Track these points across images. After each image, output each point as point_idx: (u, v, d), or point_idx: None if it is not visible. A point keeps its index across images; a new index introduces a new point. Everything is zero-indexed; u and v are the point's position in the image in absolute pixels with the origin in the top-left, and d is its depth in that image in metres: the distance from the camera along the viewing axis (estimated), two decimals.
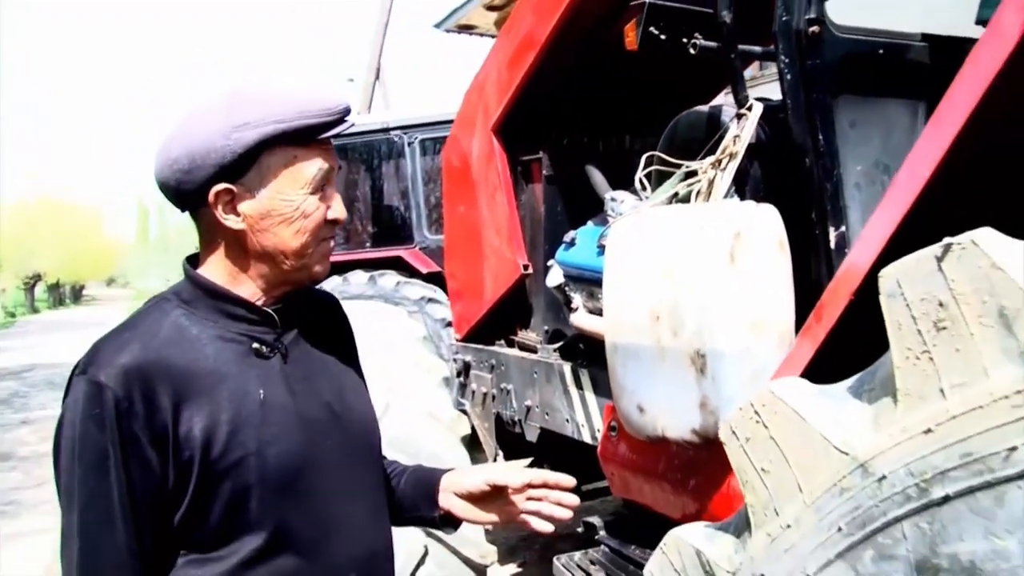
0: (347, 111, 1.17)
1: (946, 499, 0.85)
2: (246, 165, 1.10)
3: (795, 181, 1.88)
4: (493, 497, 1.34)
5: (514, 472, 1.33)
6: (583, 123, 3.06)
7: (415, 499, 1.40)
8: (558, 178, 3.04)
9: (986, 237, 0.84)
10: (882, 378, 0.94)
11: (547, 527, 1.35)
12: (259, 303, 1.18)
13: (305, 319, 1.26)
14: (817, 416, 1.00)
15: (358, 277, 4.58)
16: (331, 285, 5.02)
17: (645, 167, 1.97)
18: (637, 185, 1.96)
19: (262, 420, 1.11)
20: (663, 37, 1.95)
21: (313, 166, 1.14)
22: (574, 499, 1.33)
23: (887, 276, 0.91)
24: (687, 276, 1.73)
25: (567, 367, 2.86)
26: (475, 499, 1.35)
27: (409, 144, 4.74)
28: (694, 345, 1.72)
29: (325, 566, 1.15)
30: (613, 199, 2.52)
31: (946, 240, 0.85)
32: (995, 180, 1.23)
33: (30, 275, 40.38)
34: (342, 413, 1.23)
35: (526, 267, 3.10)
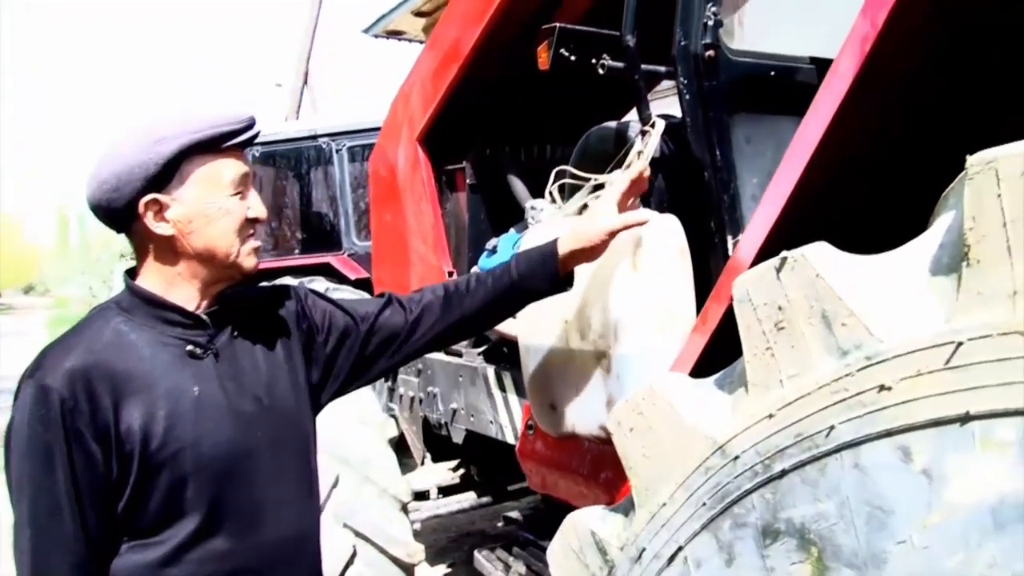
0: (253, 121, 1.31)
1: (783, 473, 0.99)
2: (169, 175, 1.23)
3: (696, 193, 2.04)
4: None
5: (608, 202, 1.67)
6: (506, 134, 3.17)
7: (533, 278, 1.67)
8: (481, 187, 3.15)
9: (814, 251, 0.99)
10: (739, 372, 1.09)
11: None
12: (193, 308, 1.29)
13: (239, 319, 1.36)
14: (687, 407, 1.14)
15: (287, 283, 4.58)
16: None
17: (555, 180, 2.10)
18: (546, 198, 2.09)
19: (197, 415, 1.23)
20: (573, 58, 2.09)
21: (230, 170, 1.27)
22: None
23: (739, 285, 1.05)
24: (592, 282, 1.87)
25: (491, 370, 2.96)
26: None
27: (337, 151, 4.79)
28: (600, 347, 1.86)
29: (255, 546, 1.26)
30: (533, 207, 2.65)
31: (783, 253, 1.00)
32: (854, 190, 1.40)
33: None
34: (271, 405, 1.34)
35: (451, 274, 3.19)
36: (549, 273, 1.65)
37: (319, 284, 4.62)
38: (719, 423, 1.08)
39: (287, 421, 1.37)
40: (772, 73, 2.01)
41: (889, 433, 0.89)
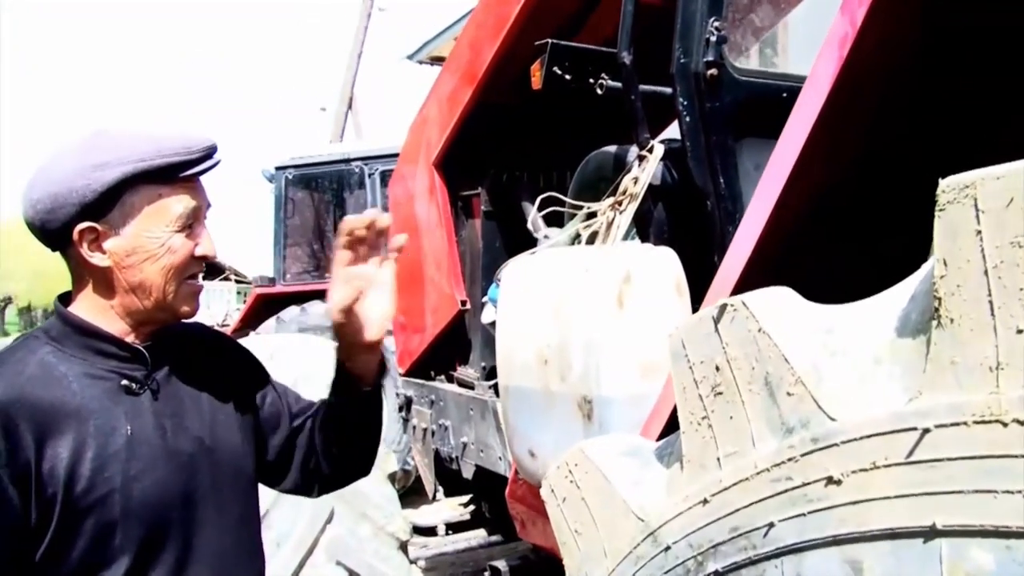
0: (210, 150, 1.18)
1: (717, 575, 0.80)
2: (108, 203, 1.12)
3: (698, 223, 1.85)
4: (364, 301, 1.23)
5: (339, 258, 1.22)
6: (522, 159, 3.05)
7: (334, 399, 1.32)
8: (496, 214, 3.03)
9: (760, 299, 0.80)
10: (678, 443, 0.90)
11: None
12: (129, 340, 1.19)
13: (180, 355, 1.25)
14: (621, 478, 0.95)
15: (316, 307, 4.56)
16: (290, 315, 5.00)
17: (540, 208, 1.95)
18: (530, 226, 1.93)
19: (128, 456, 1.12)
20: (567, 77, 1.94)
21: (179, 204, 1.15)
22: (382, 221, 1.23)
23: (673, 337, 0.87)
24: (574, 319, 1.69)
25: (500, 405, 2.81)
26: (360, 325, 1.24)
27: (370, 175, 4.76)
28: (581, 391, 1.67)
29: None
30: (547, 236, 2.50)
31: (721, 300, 0.81)
32: (835, 214, 1.21)
33: (1, 298, 40.07)
34: (213, 446, 1.23)
35: (464, 303, 3.07)
36: (339, 383, 1.32)
37: None
38: (653, 502, 0.89)
39: (230, 464, 1.26)
40: (783, 94, 1.80)
41: (837, 541, 0.69)
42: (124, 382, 1.16)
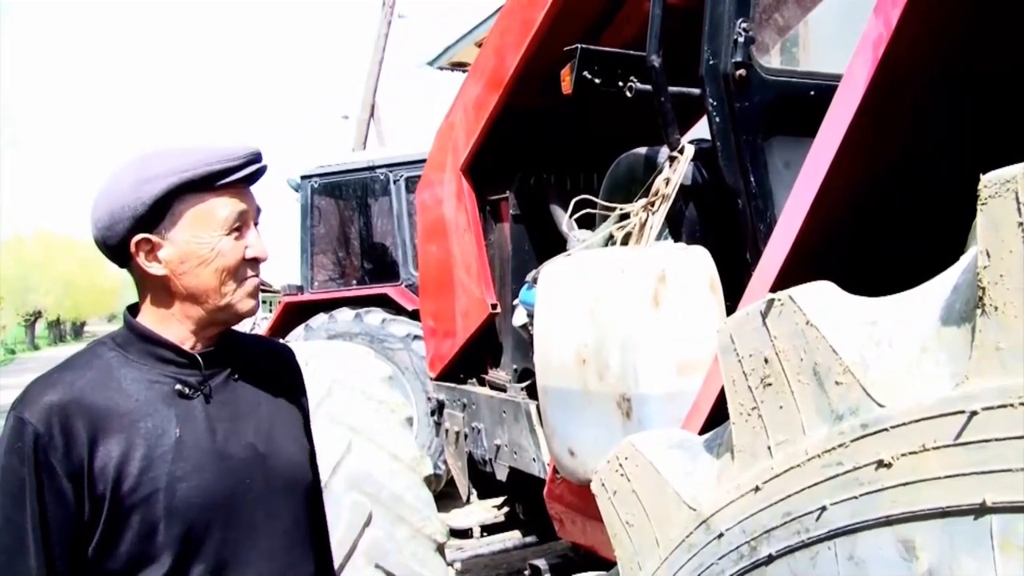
0: (253, 157, 1.24)
1: (771, 558, 0.83)
2: (159, 215, 1.19)
3: (730, 223, 1.88)
4: None
5: None
6: (550, 163, 3.08)
7: None
8: (525, 217, 3.06)
9: (807, 293, 0.83)
10: (728, 434, 0.93)
11: None
12: (188, 347, 1.25)
13: (240, 363, 1.31)
14: (671, 470, 0.99)
15: (344, 315, 4.61)
16: (318, 323, 5.07)
17: (575, 211, 1.98)
18: (563, 228, 1.97)
19: (175, 457, 1.17)
20: (598, 81, 1.97)
21: (224, 209, 1.21)
22: None
23: (722, 332, 0.90)
24: (611, 319, 1.73)
25: (533, 406, 2.84)
26: None
27: (395, 181, 4.81)
28: (619, 389, 1.71)
29: None
30: (577, 239, 2.53)
31: (769, 295, 0.84)
32: (873, 211, 1.23)
33: (31, 312, 40.53)
34: (267, 453, 1.28)
35: (494, 306, 3.10)
36: None
37: (376, 316, 4.61)
38: (705, 492, 0.93)
39: (284, 472, 1.31)
40: (812, 93, 1.83)
41: (889, 521, 0.72)
42: (178, 387, 1.22)
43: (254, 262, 1.25)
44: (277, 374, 1.39)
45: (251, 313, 1.28)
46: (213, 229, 1.20)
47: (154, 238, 1.20)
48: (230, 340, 1.33)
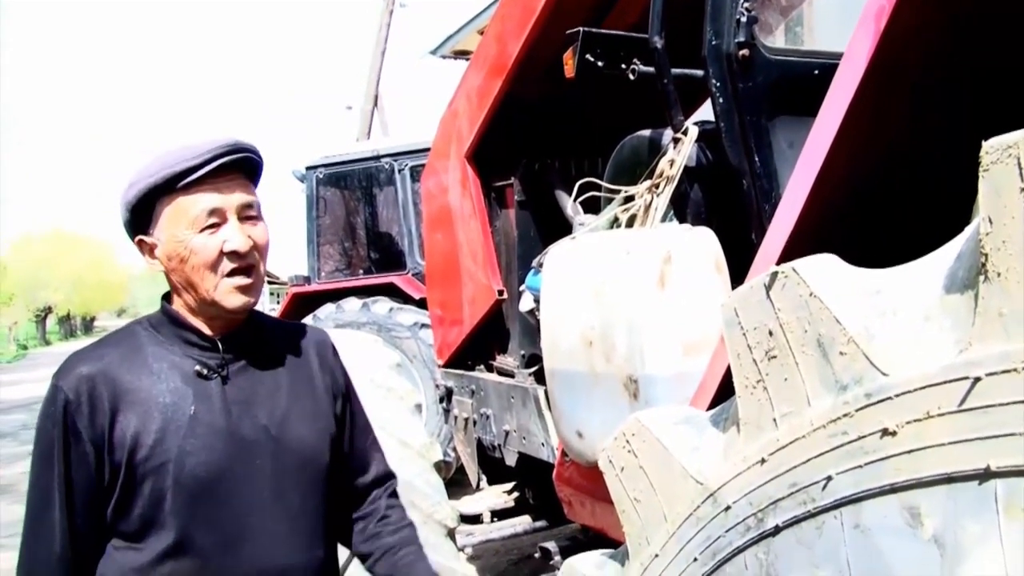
0: (219, 152, 1.25)
1: (777, 529, 0.84)
2: (143, 218, 1.28)
3: (735, 203, 1.87)
4: None
5: None
6: (554, 148, 3.07)
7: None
8: (530, 203, 3.06)
9: (809, 265, 0.83)
10: (733, 408, 0.94)
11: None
12: (208, 331, 1.31)
13: (265, 349, 1.36)
14: (678, 445, 1.00)
15: (351, 304, 4.63)
16: (326, 313, 5.09)
17: (579, 194, 1.98)
18: (568, 212, 1.97)
19: (187, 432, 1.24)
20: (600, 64, 1.97)
21: (194, 207, 1.24)
22: None
23: (726, 306, 0.91)
24: (617, 301, 1.73)
25: (541, 391, 2.85)
26: None
27: (400, 171, 4.81)
28: (626, 370, 1.71)
29: (228, 572, 1.25)
30: (582, 223, 2.53)
31: (772, 268, 0.85)
32: (874, 191, 1.23)
33: (41, 308, 40.91)
34: (280, 437, 1.32)
35: (501, 292, 3.10)
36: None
37: (383, 305, 4.62)
38: (711, 466, 0.93)
39: (296, 456, 1.34)
40: (816, 72, 1.82)
41: (894, 489, 0.72)
42: (197, 367, 1.28)
43: (234, 255, 1.26)
44: (306, 360, 1.42)
45: (239, 309, 1.30)
46: (185, 228, 1.24)
47: (147, 239, 1.28)
48: (258, 326, 1.38)
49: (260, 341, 1.36)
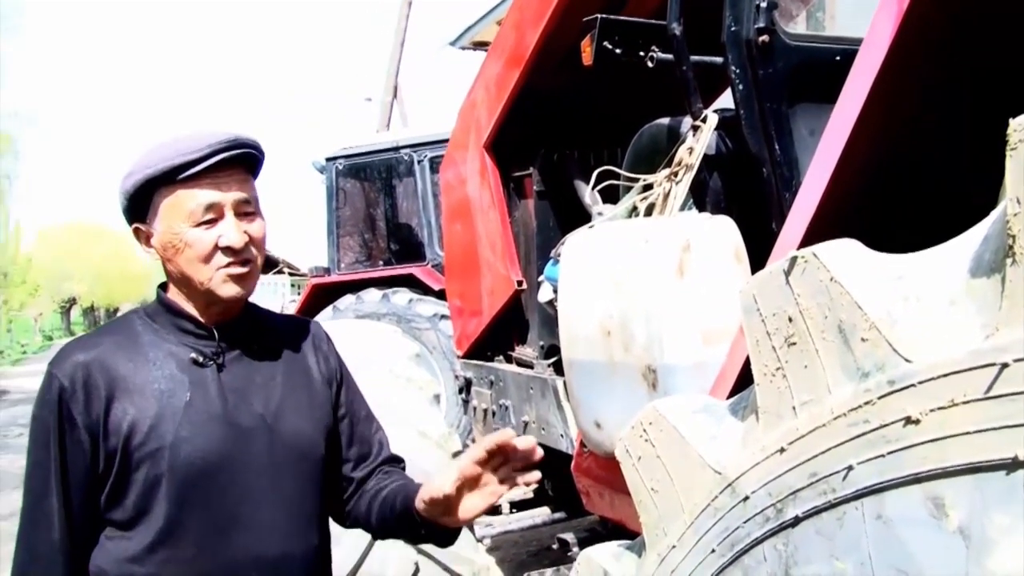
0: (220, 146, 1.25)
1: (797, 520, 0.82)
2: (140, 207, 1.28)
3: (755, 191, 1.85)
4: (468, 488, 1.29)
5: (472, 451, 1.29)
6: (573, 138, 3.05)
7: (405, 525, 1.39)
8: (549, 193, 3.04)
9: (830, 250, 0.81)
10: (752, 396, 0.92)
11: (525, 486, 1.35)
12: (203, 319, 1.31)
13: (261, 339, 1.36)
14: (696, 434, 0.98)
15: (371, 295, 4.64)
16: (346, 304, 5.12)
17: (597, 182, 1.96)
18: (587, 201, 1.95)
19: (182, 419, 1.25)
20: (618, 51, 1.95)
21: (191, 201, 1.24)
22: (536, 453, 1.29)
23: (745, 292, 0.89)
24: (636, 290, 1.71)
25: (560, 382, 2.84)
26: (455, 499, 1.29)
27: (419, 162, 4.81)
28: (645, 360, 1.70)
29: (223, 559, 1.25)
30: (600, 213, 2.51)
31: (791, 253, 0.83)
32: (893, 178, 1.20)
33: (65, 299, 41.56)
34: (275, 425, 1.32)
35: (520, 283, 3.10)
36: (413, 524, 1.36)
37: (403, 296, 4.63)
38: (729, 456, 0.92)
39: (291, 445, 1.34)
40: (837, 58, 1.78)
41: (918, 479, 0.70)
42: (193, 355, 1.28)
43: (228, 250, 1.26)
44: (302, 352, 1.42)
45: (234, 300, 1.30)
46: (182, 221, 1.24)
47: (144, 228, 1.29)
48: (254, 317, 1.38)
49: (256, 332, 1.36)
